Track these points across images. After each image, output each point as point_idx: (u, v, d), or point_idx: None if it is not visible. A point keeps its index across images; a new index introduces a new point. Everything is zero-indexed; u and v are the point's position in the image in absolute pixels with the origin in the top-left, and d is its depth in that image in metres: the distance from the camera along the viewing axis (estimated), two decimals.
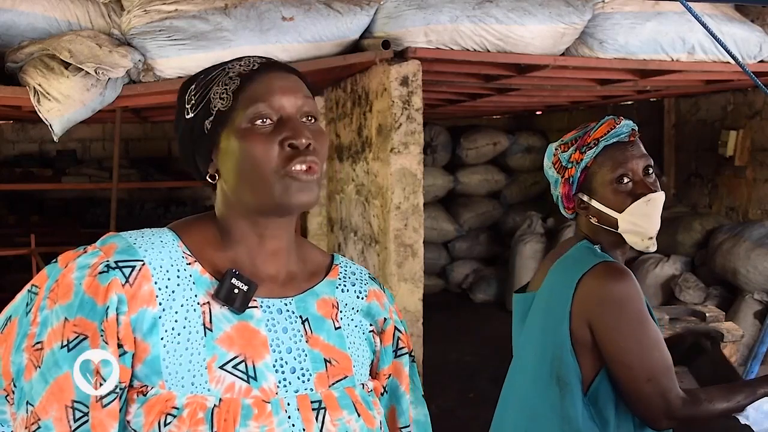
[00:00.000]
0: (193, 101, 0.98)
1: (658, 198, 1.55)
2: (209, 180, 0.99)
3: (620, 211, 1.55)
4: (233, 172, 0.94)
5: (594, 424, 1.52)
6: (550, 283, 1.62)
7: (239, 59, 0.99)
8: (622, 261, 1.62)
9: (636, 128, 1.59)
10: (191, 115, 0.97)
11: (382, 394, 1.07)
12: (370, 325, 1.07)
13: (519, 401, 1.66)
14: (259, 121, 0.93)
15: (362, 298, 1.07)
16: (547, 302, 1.61)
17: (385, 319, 1.08)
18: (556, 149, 1.63)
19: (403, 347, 1.10)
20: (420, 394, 1.13)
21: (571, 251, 1.61)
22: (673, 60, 3.81)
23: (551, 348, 1.56)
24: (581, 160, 1.56)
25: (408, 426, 1.11)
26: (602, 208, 1.56)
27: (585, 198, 1.59)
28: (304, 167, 0.92)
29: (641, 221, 1.54)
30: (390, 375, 1.09)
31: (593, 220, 1.60)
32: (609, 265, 1.53)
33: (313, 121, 0.97)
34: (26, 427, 0.86)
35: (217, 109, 0.95)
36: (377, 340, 1.07)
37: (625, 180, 1.54)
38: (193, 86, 0.99)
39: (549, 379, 1.56)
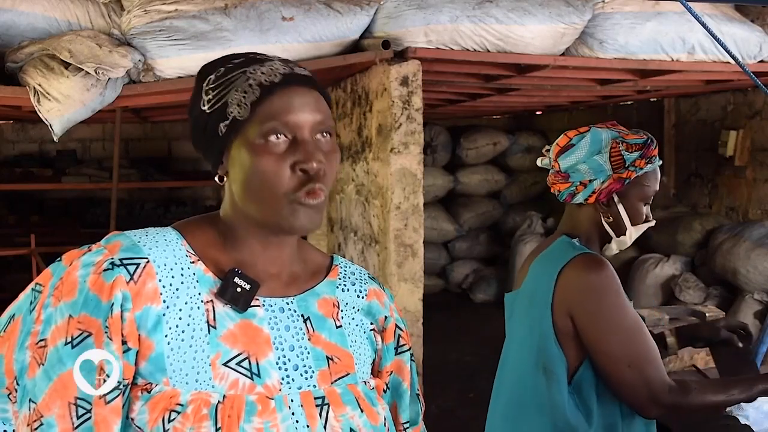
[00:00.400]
0: (210, 96, 0.96)
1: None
2: (217, 180, 0.99)
3: (633, 224, 1.65)
4: (242, 184, 0.94)
5: (579, 412, 1.56)
6: (533, 277, 1.67)
7: (262, 63, 0.96)
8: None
9: None
10: (206, 109, 0.96)
11: (384, 392, 1.08)
12: (371, 323, 1.08)
13: (508, 391, 1.70)
14: (273, 137, 0.92)
15: (362, 298, 1.08)
16: (530, 296, 1.65)
17: (385, 317, 1.09)
18: (616, 143, 1.62)
19: (404, 344, 1.11)
20: (414, 392, 1.14)
21: (552, 246, 1.66)
22: (673, 60, 3.81)
23: (537, 339, 1.60)
24: (642, 168, 1.61)
25: (409, 421, 1.11)
26: (624, 214, 1.64)
27: (616, 199, 1.64)
28: (312, 193, 0.92)
29: (633, 237, 1.67)
30: (392, 372, 1.09)
31: (608, 220, 1.65)
32: (587, 256, 1.58)
33: (328, 137, 0.96)
34: (28, 425, 0.86)
35: (233, 116, 0.93)
36: (378, 338, 1.08)
37: (650, 200, 1.67)
38: (213, 77, 0.97)
39: (535, 369, 1.60)
